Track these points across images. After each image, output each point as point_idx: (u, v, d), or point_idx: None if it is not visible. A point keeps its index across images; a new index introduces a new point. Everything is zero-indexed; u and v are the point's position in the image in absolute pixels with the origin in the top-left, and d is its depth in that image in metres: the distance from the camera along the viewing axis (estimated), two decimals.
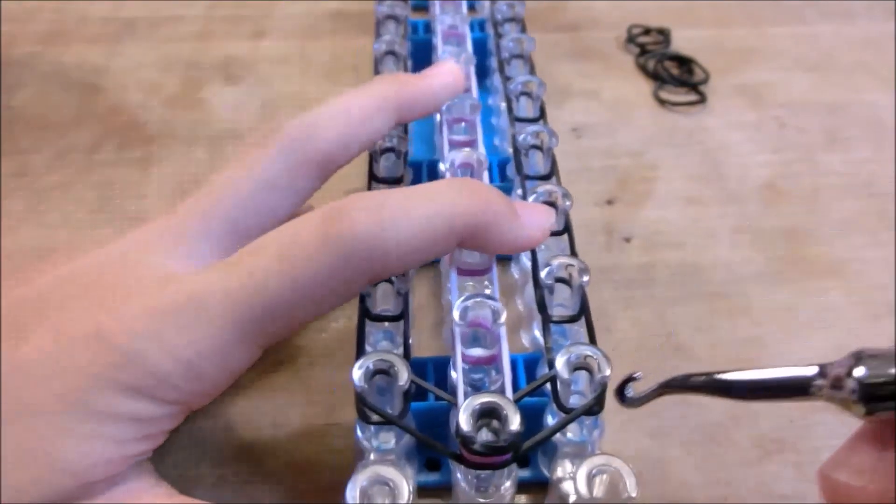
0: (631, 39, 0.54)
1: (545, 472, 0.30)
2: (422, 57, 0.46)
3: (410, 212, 0.25)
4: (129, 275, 0.25)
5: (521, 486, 0.30)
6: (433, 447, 0.26)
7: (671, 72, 0.52)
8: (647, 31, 0.55)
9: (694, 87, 0.50)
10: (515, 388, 0.27)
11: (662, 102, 0.50)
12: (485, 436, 0.24)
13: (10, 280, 0.27)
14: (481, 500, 0.26)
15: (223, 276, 0.24)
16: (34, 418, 0.22)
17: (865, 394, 0.18)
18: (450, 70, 0.35)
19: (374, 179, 0.35)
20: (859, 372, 0.18)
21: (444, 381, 0.31)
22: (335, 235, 0.23)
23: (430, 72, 0.35)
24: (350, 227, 0.23)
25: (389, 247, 0.24)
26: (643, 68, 0.52)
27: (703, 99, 0.50)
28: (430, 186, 0.27)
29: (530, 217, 0.29)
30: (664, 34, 0.55)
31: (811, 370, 0.19)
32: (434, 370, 0.32)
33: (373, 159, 0.36)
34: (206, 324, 0.23)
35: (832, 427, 0.32)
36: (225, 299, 0.23)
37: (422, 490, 0.30)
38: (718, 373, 0.21)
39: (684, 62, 0.52)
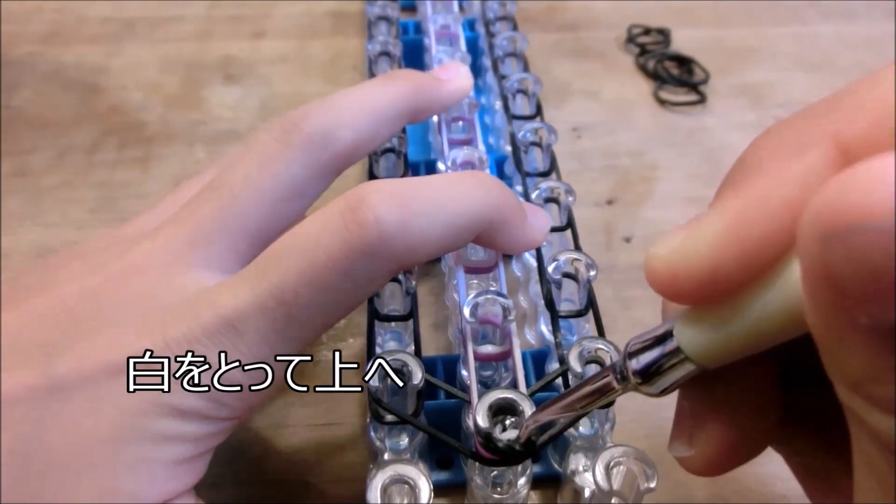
0: (631, 39, 0.55)
1: (557, 466, 0.30)
2: (413, 57, 0.46)
3: (436, 208, 0.24)
4: (161, 292, 0.24)
5: (534, 482, 0.30)
6: (450, 445, 0.25)
7: (671, 72, 0.52)
8: (647, 31, 0.55)
9: (694, 87, 0.51)
10: (525, 383, 0.27)
11: (662, 102, 0.50)
12: (500, 432, 0.24)
13: (13, 275, 0.27)
14: (496, 497, 0.26)
15: (253, 290, 0.23)
16: (88, 446, 0.22)
17: (645, 377, 0.19)
18: (462, 74, 0.35)
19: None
20: (634, 363, 0.19)
21: (452, 380, 0.31)
22: (359, 236, 0.23)
23: (444, 75, 0.35)
24: (376, 227, 0.23)
25: (414, 242, 0.24)
26: (643, 68, 0.53)
27: (703, 99, 0.50)
28: (451, 179, 0.26)
29: (535, 218, 0.29)
30: (664, 34, 0.55)
31: (606, 377, 0.21)
32: (444, 368, 0.32)
33: (372, 160, 0.35)
34: (247, 344, 0.23)
35: None
36: (259, 316, 0.23)
37: (433, 488, 0.30)
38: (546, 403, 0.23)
39: (684, 62, 0.53)
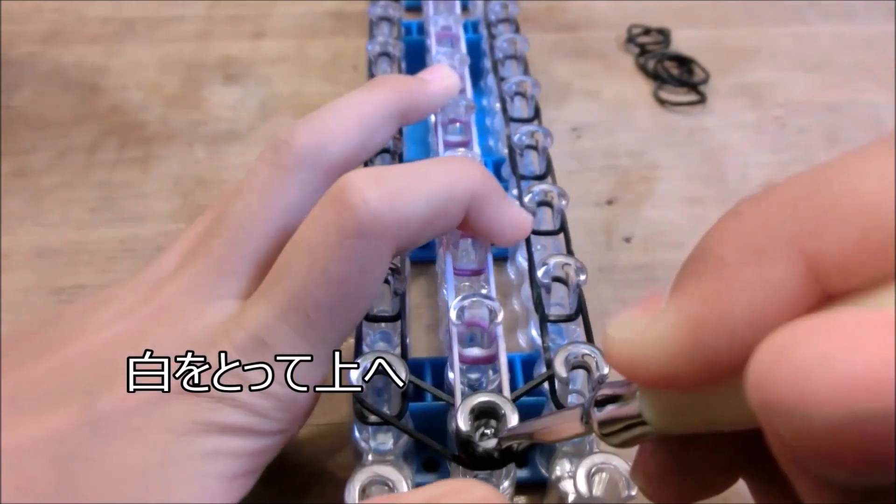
0: (631, 39, 0.54)
1: (544, 471, 0.30)
2: (415, 58, 0.46)
3: (419, 183, 0.25)
4: (191, 327, 0.25)
5: (520, 487, 0.30)
6: (431, 448, 0.25)
7: (671, 72, 0.51)
8: (647, 31, 0.55)
9: (694, 87, 0.50)
10: (513, 387, 0.27)
11: (662, 102, 0.50)
12: (481, 437, 0.24)
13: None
14: None
15: (271, 302, 0.24)
16: (139, 470, 0.23)
17: (605, 429, 0.19)
18: (446, 75, 0.36)
19: None
20: (599, 412, 0.19)
21: (442, 382, 0.31)
22: (350, 219, 0.23)
23: (428, 77, 0.35)
24: (364, 206, 0.23)
25: (404, 216, 0.24)
26: (643, 68, 0.52)
27: (703, 99, 0.50)
28: (430, 161, 0.27)
29: (516, 205, 0.30)
30: (664, 34, 0.55)
31: (573, 413, 0.20)
32: (432, 370, 0.32)
33: (367, 161, 0.35)
34: (278, 354, 0.24)
35: None
36: (283, 325, 0.24)
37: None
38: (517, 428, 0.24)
39: (684, 62, 0.52)
